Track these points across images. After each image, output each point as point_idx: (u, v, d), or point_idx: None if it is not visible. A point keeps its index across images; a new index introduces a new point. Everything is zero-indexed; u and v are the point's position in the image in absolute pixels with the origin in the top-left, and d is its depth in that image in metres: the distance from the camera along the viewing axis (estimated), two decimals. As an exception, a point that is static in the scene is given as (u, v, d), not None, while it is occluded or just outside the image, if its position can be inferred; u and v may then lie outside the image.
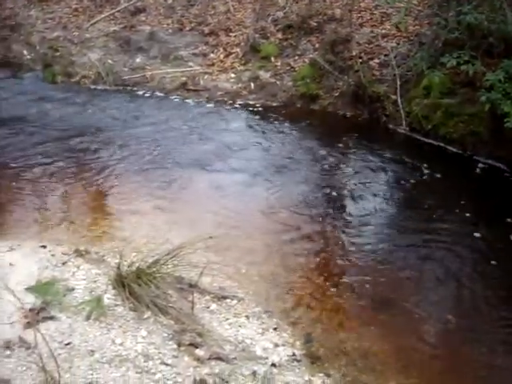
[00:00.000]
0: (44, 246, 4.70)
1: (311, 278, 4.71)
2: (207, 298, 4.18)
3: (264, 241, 5.15)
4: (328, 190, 6.26)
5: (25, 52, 11.31)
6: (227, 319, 3.99)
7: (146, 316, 3.84)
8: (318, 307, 4.38)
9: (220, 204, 5.75)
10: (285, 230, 5.35)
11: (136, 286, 3.96)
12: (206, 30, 10.61)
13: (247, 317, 4.06)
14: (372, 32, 9.47)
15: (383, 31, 9.48)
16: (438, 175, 6.55)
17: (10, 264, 4.34)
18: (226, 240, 5.04)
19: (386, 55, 8.85)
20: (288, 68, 9.31)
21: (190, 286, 4.21)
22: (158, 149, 6.97)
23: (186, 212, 5.60)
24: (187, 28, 10.87)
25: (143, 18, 11.44)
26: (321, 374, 3.64)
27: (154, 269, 4.13)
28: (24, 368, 3.27)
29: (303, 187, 6.23)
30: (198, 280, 4.07)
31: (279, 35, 9.97)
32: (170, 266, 4.20)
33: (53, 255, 4.56)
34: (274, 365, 3.60)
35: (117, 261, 4.46)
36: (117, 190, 5.95)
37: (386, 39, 9.23)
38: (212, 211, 5.58)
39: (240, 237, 5.15)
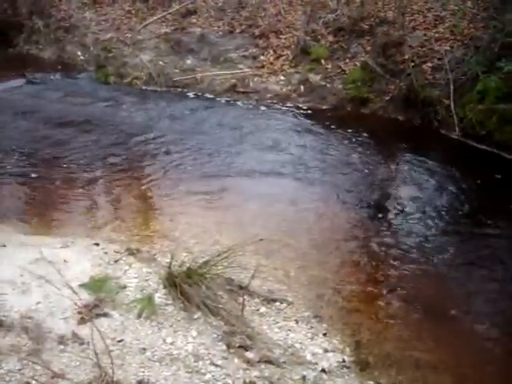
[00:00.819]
0: (97, 244, 4.78)
1: (361, 284, 4.64)
2: (257, 300, 4.17)
3: (313, 245, 5.10)
4: (380, 195, 6.18)
5: (79, 53, 11.62)
6: (277, 323, 3.97)
7: (196, 316, 3.85)
8: (369, 314, 4.30)
9: (269, 207, 5.74)
10: (335, 235, 5.30)
11: (187, 286, 3.98)
12: (257, 32, 10.64)
13: (296, 321, 4.03)
14: (425, 35, 9.31)
15: (436, 34, 9.30)
16: (492, 182, 6.37)
17: (65, 261, 4.42)
18: (275, 243, 5.01)
19: (439, 59, 8.68)
20: (338, 71, 9.25)
21: (240, 287, 4.21)
22: (209, 151, 7.01)
23: (236, 214, 5.60)
24: (237, 30, 10.94)
25: (194, 20, 11.57)
26: (371, 382, 3.57)
27: (205, 269, 4.14)
28: (78, 363, 3.32)
29: (354, 192, 6.16)
30: (249, 283, 4.04)
31: (330, 38, 9.92)
32: (219, 268, 4.20)
33: (105, 253, 4.62)
34: (323, 370, 3.56)
35: (168, 260, 4.51)
36: (168, 190, 6.01)
37: (439, 43, 9.05)
38: (261, 214, 5.58)
39: (289, 240, 5.11)
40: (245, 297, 4.06)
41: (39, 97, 9.27)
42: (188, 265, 4.15)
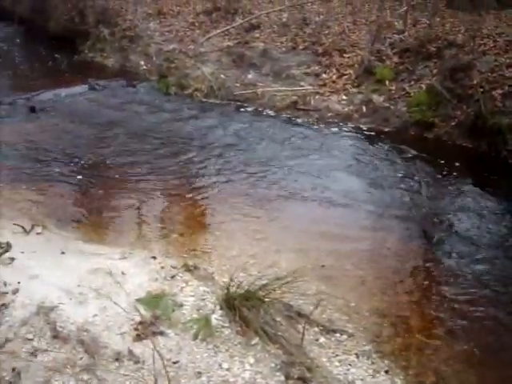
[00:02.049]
0: (154, 257, 4.72)
1: (425, 320, 4.42)
2: (316, 329, 4.00)
3: (375, 274, 4.89)
4: (442, 224, 5.91)
5: (141, 62, 11.75)
6: (336, 355, 3.79)
7: (253, 342, 3.71)
8: (432, 352, 4.07)
9: (328, 231, 5.56)
10: (397, 264, 5.08)
11: (245, 310, 3.85)
12: (320, 49, 10.52)
13: (357, 355, 3.83)
14: (496, 60, 8.95)
15: (508, 60, 8.94)
16: None
17: (122, 273, 4.38)
18: (335, 269, 4.84)
19: (510, 86, 8.33)
20: (403, 93, 9.00)
21: (299, 315, 4.06)
22: (267, 168, 6.90)
23: (294, 236, 5.44)
24: (300, 47, 10.84)
25: (257, 35, 11.55)
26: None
27: (263, 293, 4.01)
28: (132, 383, 3.24)
29: (415, 219, 5.91)
30: (312, 312, 3.88)
31: (395, 59, 9.68)
32: (278, 292, 4.06)
33: (162, 267, 4.55)
34: (385, 412, 3.37)
35: (225, 280, 4.42)
36: (226, 207, 5.91)
37: (510, 69, 8.70)
38: (320, 238, 5.41)
39: (350, 267, 4.93)
40: (303, 325, 3.92)
41: (101, 104, 9.38)
42: (246, 287, 4.03)
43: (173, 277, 4.43)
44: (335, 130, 8.36)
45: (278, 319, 3.94)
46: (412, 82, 9.18)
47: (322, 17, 11.87)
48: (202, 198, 6.17)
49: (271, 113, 9.03)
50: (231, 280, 4.03)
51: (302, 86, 9.62)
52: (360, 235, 5.53)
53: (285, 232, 5.50)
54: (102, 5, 14.34)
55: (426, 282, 4.92)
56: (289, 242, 5.27)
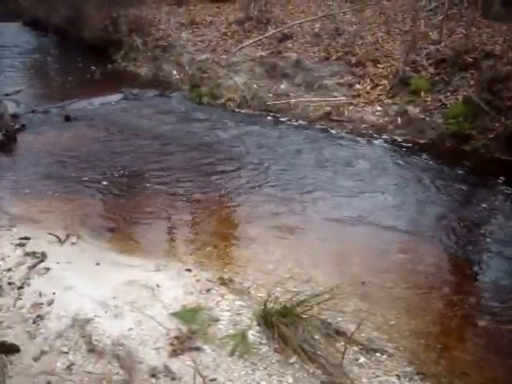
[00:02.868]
0: (189, 270, 4.65)
1: (467, 339, 4.26)
2: (355, 348, 3.86)
3: (415, 291, 4.74)
4: (481, 240, 5.74)
5: (174, 72, 11.82)
6: (377, 376, 3.65)
7: (292, 360, 3.60)
8: (475, 375, 3.91)
9: (367, 246, 5.43)
10: (438, 281, 4.92)
11: (283, 327, 3.76)
12: (353, 60, 10.43)
13: (398, 376, 3.69)
14: (535, 72, 8.75)
15: (548, 71, 8.73)
16: None
17: (157, 285, 4.32)
18: (374, 286, 4.70)
19: (550, 98, 8.13)
20: (439, 104, 8.84)
21: (337, 333, 3.94)
22: (302, 182, 6.79)
23: (331, 251, 5.33)
24: (333, 57, 10.76)
25: (290, 45, 11.51)
26: None
27: (301, 309, 3.91)
28: (169, 400, 3.18)
29: (454, 235, 5.73)
30: (354, 331, 3.75)
31: (431, 69, 9.52)
32: (316, 309, 3.96)
33: (197, 280, 4.48)
34: None
35: (261, 294, 4.34)
36: (262, 221, 5.81)
37: (551, 81, 8.49)
38: (359, 253, 5.28)
39: (389, 284, 4.78)
40: (342, 343, 3.80)
41: (134, 113, 9.44)
42: (283, 303, 3.93)
43: (208, 290, 4.36)
44: (370, 141, 8.23)
45: (317, 337, 3.83)
46: (448, 93, 9.01)
47: (354, 27, 11.78)
48: (238, 211, 6.10)
49: (304, 123, 8.96)
50: (269, 295, 3.94)
51: (336, 97, 9.53)
52: (400, 252, 5.38)
53: (322, 247, 5.38)
54: (135, 14, 14.53)
55: (470, 302, 4.75)
56: (326, 257, 5.16)
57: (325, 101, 9.41)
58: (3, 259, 4.69)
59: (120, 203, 6.32)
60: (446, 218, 6.10)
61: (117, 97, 10.21)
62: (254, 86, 10.13)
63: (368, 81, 9.86)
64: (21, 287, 4.30)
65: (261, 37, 11.94)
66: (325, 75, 10.22)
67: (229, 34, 12.83)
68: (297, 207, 6.14)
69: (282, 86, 10.12)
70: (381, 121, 8.81)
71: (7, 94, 10.26)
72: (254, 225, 5.72)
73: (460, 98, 8.78)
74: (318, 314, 3.97)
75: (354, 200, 6.36)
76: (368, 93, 9.57)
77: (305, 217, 5.94)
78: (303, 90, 9.96)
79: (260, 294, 4.34)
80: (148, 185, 6.72)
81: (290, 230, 5.60)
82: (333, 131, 8.58)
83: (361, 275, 4.77)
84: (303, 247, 5.30)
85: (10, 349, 3.56)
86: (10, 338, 3.66)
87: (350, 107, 9.21)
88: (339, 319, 4.09)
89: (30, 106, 9.73)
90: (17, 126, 8.50)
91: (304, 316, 3.89)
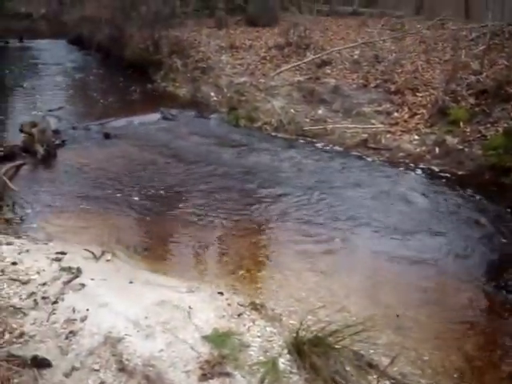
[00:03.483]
0: (221, 293, 4.63)
1: (503, 380, 4.13)
2: (387, 383, 3.79)
3: (451, 326, 4.64)
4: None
5: (212, 94, 11.95)
6: (410, 413, 3.58)
7: (322, 392, 3.55)
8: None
9: (403, 279, 5.34)
10: (475, 316, 4.81)
11: (314, 356, 3.70)
12: (392, 87, 10.40)
13: (432, 415, 3.61)
14: None
15: None
16: None
17: (189, 307, 4.31)
18: (408, 319, 4.61)
19: None
20: (478, 135, 8.70)
21: (370, 365, 3.87)
22: (340, 208, 6.73)
23: (365, 280, 5.27)
24: (372, 84, 10.75)
25: (328, 71, 11.55)
26: None
27: (333, 339, 3.85)
28: (199, 426, 3.14)
29: (493, 270, 5.62)
30: (388, 366, 3.68)
31: (471, 100, 9.41)
32: (348, 340, 3.89)
33: (229, 304, 4.46)
34: None
35: (292, 321, 4.30)
36: (295, 247, 5.78)
37: None
38: (393, 286, 5.20)
39: (422, 316, 4.69)
40: (376, 377, 3.73)
41: (173, 133, 9.56)
42: (315, 332, 3.88)
43: (240, 315, 4.33)
44: (406, 170, 8.15)
45: (348, 369, 3.76)
46: (488, 125, 8.87)
47: (394, 55, 11.77)
48: (273, 236, 6.08)
49: (340, 150, 8.92)
50: (301, 323, 3.90)
51: (373, 124, 9.49)
52: (437, 288, 5.28)
53: (356, 277, 5.31)
54: (176, 36, 14.80)
55: (508, 342, 4.61)
56: (360, 288, 5.09)
57: (362, 128, 9.38)
58: (39, 273, 4.74)
59: (155, 223, 6.37)
60: (487, 256, 5.95)
61: (155, 116, 10.36)
62: (292, 110, 10.17)
63: (406, 109, 9.80)
64: (55, 302, 4.34)
65: (300, 62, 12.02)
66: (363, 102, 10.20)
67: (268, 58, 12.95)
68: (333, 236, 6.06)
69: (320, 112, 10.13)
70: (418, 150, 8.72)
71: (50, 110, 10.52)
72: (289, 251, 5.69)
73: (500, 129, 8.63)
74: (350, 345, 3.89)
75: (391, 232, 6.25)
76: (406, 121, 9.50)
77: (340, 246, 5.87)
78: (340, 117, 9.96)
79: (292, 322, 4.31)
80: (183, 206, 6.77)
81: (325, 259, 5.55)
82: (369, 159, 8.53)
83: (395, 308, 4.70)
84: (337, 276, 5.24)
85: (42, 363, 3.59)
86: (41, 352, 3.68)
87: (388, 135, 9.15)
88: (372, 351, 4.01)
89: (71, 123, 9.96)
90: (57, 142, 8.69)
91: (336, 346, 3.83)
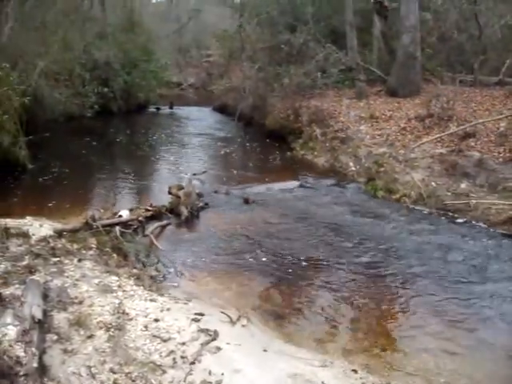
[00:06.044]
0: (355, 371, 4.52)
1: None
2: None
3: None
4: None
5: (350, 163, 11.99)
6: None
7: None
8: None
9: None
10: None
11: None
12: (543, 163, 9.77)
13: None
14: None
15: None
16: None
17: (322, 383, 4.23)
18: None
19: None
20: None
21: None
22: (481, 293, 6.32)
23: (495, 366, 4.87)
24: (520, 159, 10.18)
25: (472, 144, 11.12)
26: None
27: None
28: None
29: None
30: None
31: None
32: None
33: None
34: None
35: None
36: (437, 330, 5.47)
37: None
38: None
39: None
40: None
41: (310, 200, 9.68)
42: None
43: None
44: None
45: None
46: None
47: (546, 128, 11.11)
48: (409, 316, 5.86)
49: (484, 226, 8.46)
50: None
51: (522, 201, 8.93)
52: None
53: (499, 365, 4.92)
54: (316, 106, 15.16)
55: None
56: (505, 376, 4.70)
57: (509, 204, 8.86)
58: (179, 332, 4.93)
59: (289, 290, 6.40)
60: None
61: (294, 184, 10.60)
62: (432, 183, 9.88)
63: (558, 186, 9.15)
64: (192, 362, 4.47)
65: (442, 134, 11.72)
66: (510, 177, 9.66)
67: (408, 129, 12.79)
68: (474, 322, 5.69)
69: (462, 186, 9.74)
70: None
71: (194, 174, 11.14)
72: (426, 333, 5.41)
73: None
74: None
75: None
76: (559, 200, 8.85)
77: (481, 333, 5.49)
78: (485, 191, 9.49)
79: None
80: (318, 275, 6.77)
81: (465, 345, 5.20)
82: (516, 237, 8.00)
83: None
84: (478, 364, 4.88)
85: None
86: (177, 412, 3.80)
87: (538, 213, 8.56)
88: None
89: (213, 187, 10.46)
90: (200, 204, 9.16)
91: None
